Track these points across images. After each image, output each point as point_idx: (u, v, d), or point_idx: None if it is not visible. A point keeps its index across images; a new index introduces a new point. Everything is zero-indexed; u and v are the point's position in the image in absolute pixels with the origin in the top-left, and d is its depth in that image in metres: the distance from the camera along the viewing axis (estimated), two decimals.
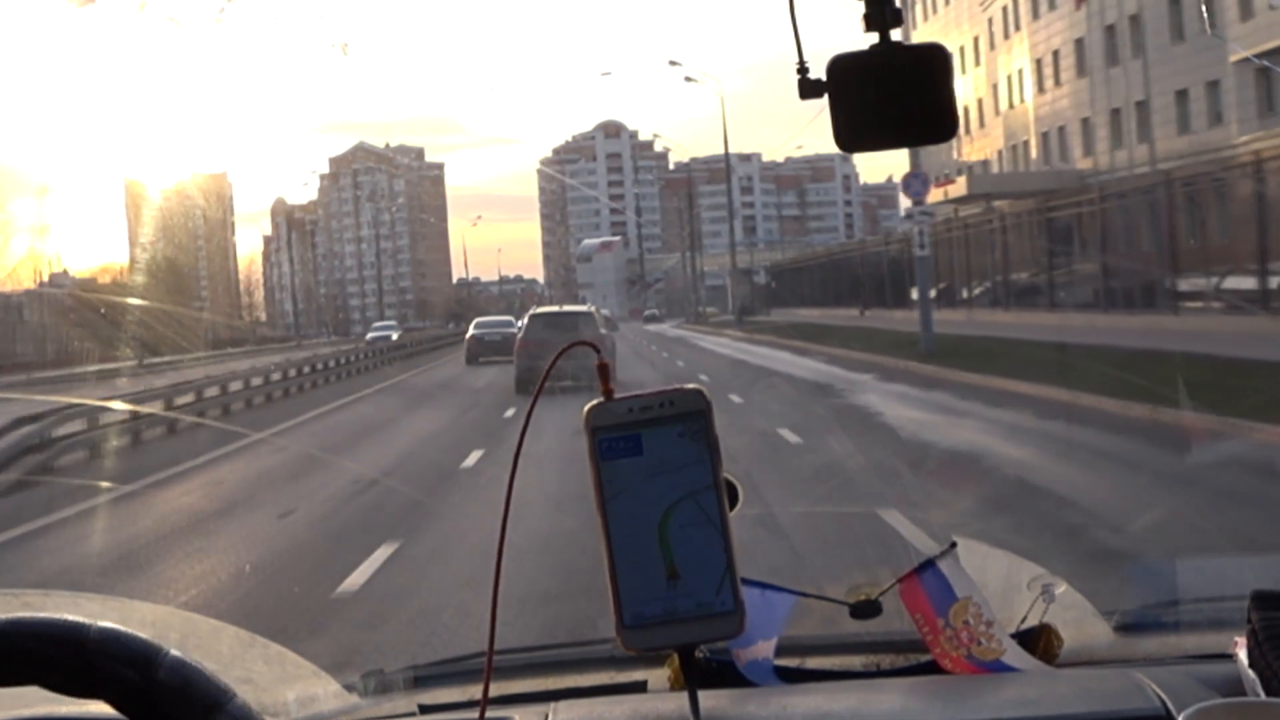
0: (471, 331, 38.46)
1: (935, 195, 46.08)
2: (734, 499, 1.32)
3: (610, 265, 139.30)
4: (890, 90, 1.67)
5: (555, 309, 30.54)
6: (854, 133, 1.68)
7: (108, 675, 1.09)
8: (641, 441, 1.27)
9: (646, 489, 1.27)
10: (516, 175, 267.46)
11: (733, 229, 71.04)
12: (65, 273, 77.68)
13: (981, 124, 57.56)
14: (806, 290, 63.82)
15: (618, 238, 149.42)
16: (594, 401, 1.28)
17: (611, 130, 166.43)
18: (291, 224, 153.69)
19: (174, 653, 1.10)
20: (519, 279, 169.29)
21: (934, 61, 1.67)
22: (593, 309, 32.66)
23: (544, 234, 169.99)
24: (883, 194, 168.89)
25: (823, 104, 1.71)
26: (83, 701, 1.13)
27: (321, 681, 1.81)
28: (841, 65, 1.68)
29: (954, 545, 1.68)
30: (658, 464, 1.27)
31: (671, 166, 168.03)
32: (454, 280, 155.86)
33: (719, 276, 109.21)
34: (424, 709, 1.70)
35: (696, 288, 75.94)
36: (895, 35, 1.69)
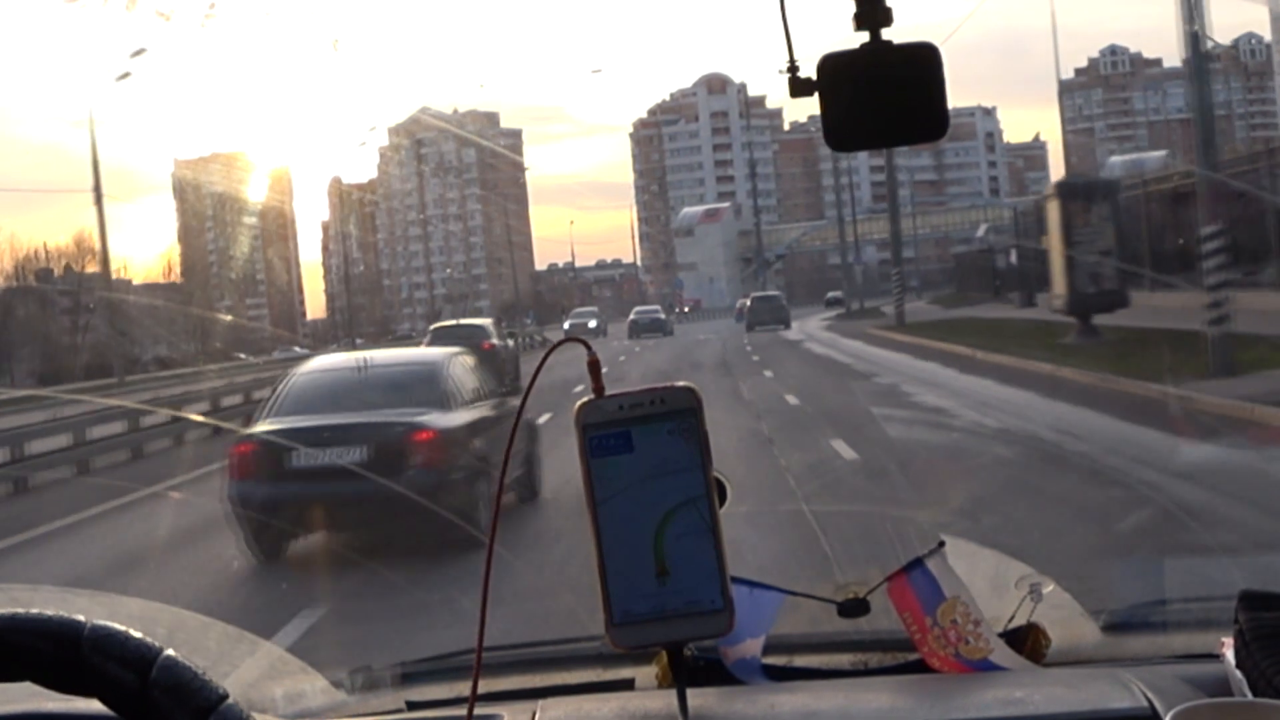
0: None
1: None
2: (722, 497, 1.54)
3: (718, 239, 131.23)
4: (881, 89, 1.93)
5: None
6: (845, 131, 1.95)
7: (103, 674, 1.22)
8: (632, 438, 1.46)
9: (643, 492, 1.45)
10: (613, 164, 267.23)
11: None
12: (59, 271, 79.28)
13: None
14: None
15: (725, 204, 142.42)
16: (584, 399, 1.47)
17: (716, 85, 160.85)
18: (349, 206, 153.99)
19: (169, 653, 1.23)
20: (616, 263, 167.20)
21: (925, 60, 1.92)
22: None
23: (639, 209, 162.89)
24: (1030, 154, 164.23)
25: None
26: (70, 698, 1.26)
27: (309, 678, 2.08)
28: (831, 64, 1.94)
29: (942, 544, 1.90)
30: (649, 462, 1.46)
31: (787, 127, 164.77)
32: (535, 268, 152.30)
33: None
34: (412, 705, 1.94)
35: (861, 257, 56.06)
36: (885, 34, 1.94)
